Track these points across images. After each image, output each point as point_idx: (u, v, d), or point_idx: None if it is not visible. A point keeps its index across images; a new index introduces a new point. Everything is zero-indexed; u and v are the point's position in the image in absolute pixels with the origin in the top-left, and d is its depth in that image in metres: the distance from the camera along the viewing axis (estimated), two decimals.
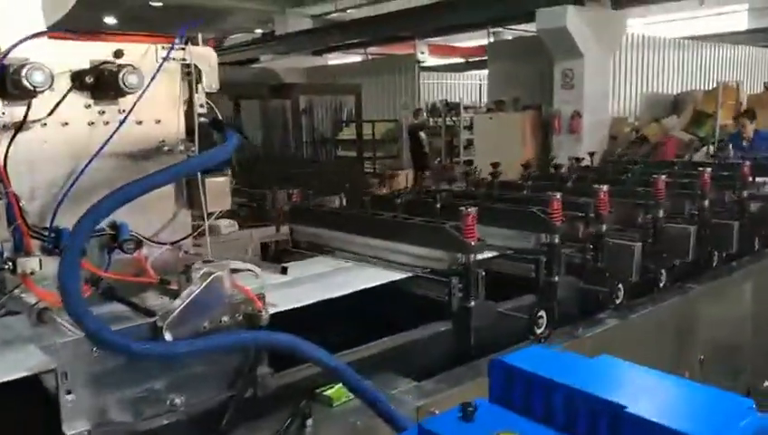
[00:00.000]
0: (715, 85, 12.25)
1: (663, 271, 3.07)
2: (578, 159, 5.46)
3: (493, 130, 13.20)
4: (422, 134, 15.07)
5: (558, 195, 2.80)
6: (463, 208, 2.48)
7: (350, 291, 2.38)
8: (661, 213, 3.25)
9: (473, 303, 2.45)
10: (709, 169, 3.61)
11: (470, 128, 14.56)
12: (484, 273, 2.49)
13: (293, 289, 2.41)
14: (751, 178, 3.95)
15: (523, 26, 13.42)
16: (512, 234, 2.96)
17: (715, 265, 3.37)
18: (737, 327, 3.64)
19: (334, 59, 18.23)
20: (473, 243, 2.47)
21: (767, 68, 16.61)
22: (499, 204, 3.41)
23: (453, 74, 18.58)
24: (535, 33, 12.56)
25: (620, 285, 2.79)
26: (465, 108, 16.03)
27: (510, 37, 14.47)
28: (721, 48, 15.32)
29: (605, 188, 3.00)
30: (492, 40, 14.39)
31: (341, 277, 2.65)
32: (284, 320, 2.02)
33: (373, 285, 2.50)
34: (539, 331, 2.47)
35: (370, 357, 2.27)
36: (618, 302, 2.79)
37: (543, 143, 12.87)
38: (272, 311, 1.95)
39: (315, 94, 14.92)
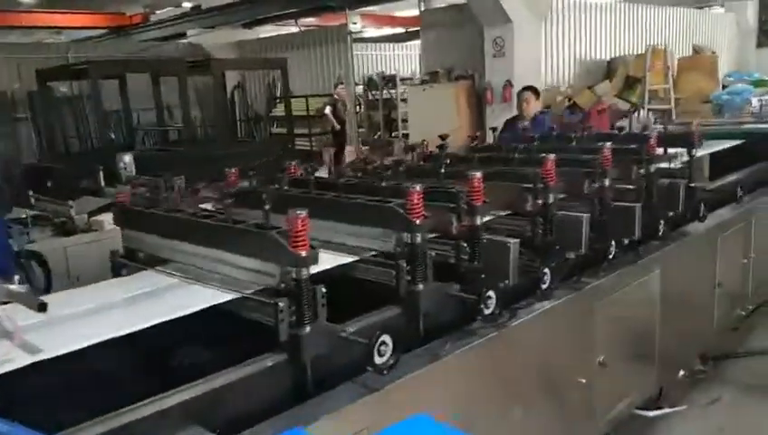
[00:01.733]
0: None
1: (547, 269, 2.62)
2: (493, 129, 5.15)
3: (426, 103, 12.72)
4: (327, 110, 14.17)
5: (418, 187, 2.31)
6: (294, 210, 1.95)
7: (142, 326, 1.86)
8: (551, 199, 2.80)
9: (307, 329, 1.96)
10: (609, 144, 3.16)
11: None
12: (324, 290, 2.00)
13: (65, 327, 1.88)
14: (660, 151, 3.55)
15: None
16: (372, 233, 2.46)
17: (612, 255, 2.95)
18: (642, 321, 3.26)
19: (267, 32, 17.39)
20: (304, 253, 1.97)
21: (701, 29, 16.45)
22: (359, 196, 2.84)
23: (392, 45, 17.94)
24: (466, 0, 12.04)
25: (491, 293, 2.33)
26: (403, 80, 15.48)
27: (443, 5, 13.88)
28: (654, 9, 15.02)
29: (478, 174, 2.46)
30: (423, 8, 13.80)
31: (148, 303, 2.12)
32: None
33: (183, 313, 1.98)
34: (380, 360, 2.00)
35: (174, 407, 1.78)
36: (488, 312, 2.33)
37: (478, 114, 12.45)
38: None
39: (238, 69, 14.15)
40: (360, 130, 15.73)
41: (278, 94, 15.96)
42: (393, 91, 15.33)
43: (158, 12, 18.30)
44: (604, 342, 2.93)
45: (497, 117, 11.95)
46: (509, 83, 11.71)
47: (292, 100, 15.43)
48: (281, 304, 1.95)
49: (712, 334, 4.05)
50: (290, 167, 3.29)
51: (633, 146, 3.57)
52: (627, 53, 13.75)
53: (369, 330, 2.08)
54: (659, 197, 3.48)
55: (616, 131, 3.91)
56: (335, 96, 14.31)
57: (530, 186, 2.80)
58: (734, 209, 4.07)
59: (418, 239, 2.27)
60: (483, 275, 2.45)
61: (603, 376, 2.92)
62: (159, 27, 16.52)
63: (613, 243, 2.93)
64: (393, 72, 15.62)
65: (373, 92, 15.68)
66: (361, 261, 2.39)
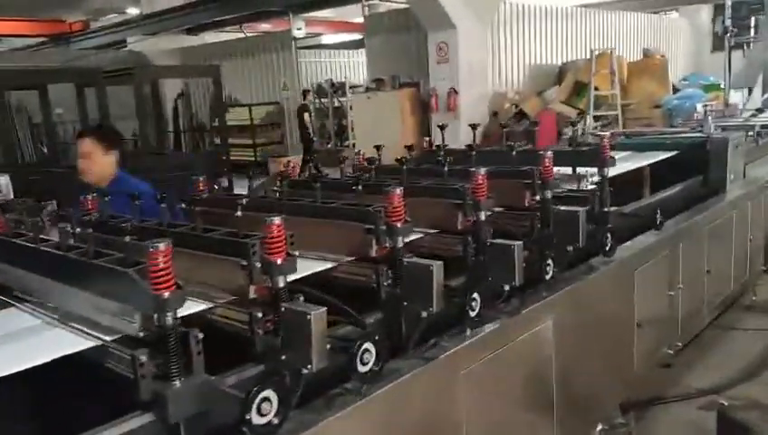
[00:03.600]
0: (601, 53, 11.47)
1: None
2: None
3: (371, 111, 12.12)
4: (306, 116, 13.80)
5: (277, 219, 1.77)
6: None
7: None
8: (399, 242, 2.18)
9: (177, 384, 1.56)
10: (483, 170, 2.54)
11: None
12: (200, 336, 1.60)
13: None
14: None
15: None
16: None
17: (475, 311, 2.31)
18: (531, 382, 2.64)
19: (214, 39, 16.65)
20: (167, 295, 1.53)
21: (656, 34, 16.08)
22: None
23: (348, 52, 17.29)
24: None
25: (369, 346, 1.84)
26: (354, 87, 14.87)
27: (387, 10, 13.30)
28: (609, 14, 14.61)
29: (398, 190, 2.09)
30: (368, 13, 13.20)
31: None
32: None
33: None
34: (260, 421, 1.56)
35: None
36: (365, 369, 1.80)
37: (423, 122, 11.86)
38: None
39: (167, 78, 13.39)
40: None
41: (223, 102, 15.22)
42: (344, 99, 14.73)
43: (101, 19, 17.51)
44: (473, 416, 2.30)
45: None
46: (453, 90, 11.16)
47: (238, 109, 14.81)
48: (141, 357, 1.54)
49: (634, 380, 3.45)
50: (197, 182, 2.84)
51: (525, 168, 2.97)
52: (579, 57, 13.30)
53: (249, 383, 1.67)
54: (556, 229, 2.89)
55: (512, 149, 3.31)
56: (308, 103, 13.71)
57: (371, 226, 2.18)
58: (655, 236, 3.48)
59: (280, 283, 1.80)
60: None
61: None
62: (98, 35, 15.71)
63: (476, 297, 2.29)
64: (342, 80, 15.00)
65: (322, 100, 15.06)
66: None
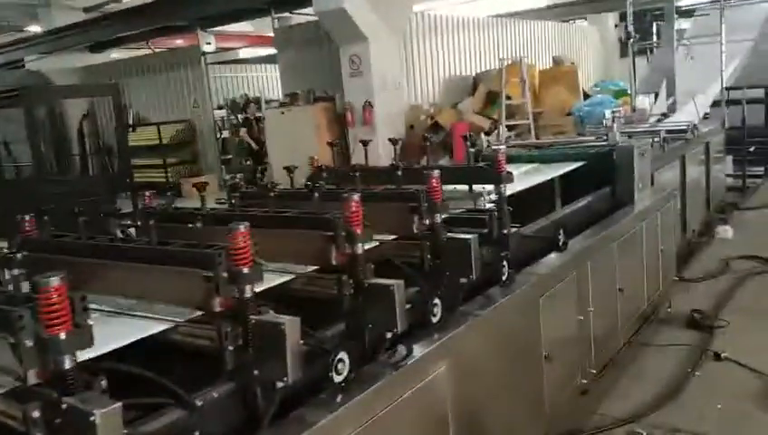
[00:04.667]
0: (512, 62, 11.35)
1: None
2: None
3: (286, 127, 11.60)
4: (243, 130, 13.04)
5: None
6: None
7: None
8: (247, 293, 1.75)
9: None
10: (356, 195, 2.15)
11: None
12: None
13: None
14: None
15: (308, 9, 11.85)
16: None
17: (341, 379, 1.89)
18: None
19: (120, 56, 15.73)
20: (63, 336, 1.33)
21: (567, 42, 16.27)
22: None
23: (262, 66, 16.67)
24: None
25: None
26: (270, 102, 14.29)
27: (298, 22, 12.82)
28: (519, 24, 14.63)
29: (242, 226, 1.72)
30: (277, 26, 12.70)
31: None
32: None
33: None
34: None
35: None
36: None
37: (340, 137, 11.45)
38: None
39: (62, 98, 12.49)
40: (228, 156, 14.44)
41: (130, 122, 14.37)
42: (260, 114, 14.14)
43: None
44: None
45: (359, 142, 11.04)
46: (369, 104, 10.81)
47: (148, 128, 13.99)
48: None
49: (545, 417, 3.11)
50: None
51: (412, 190, 2.59)
52: (493, 67, 13.21)
53: None
54: (447, 259, 2.52)
55: (396, 168, 2.94)
56: (248, 116, 13.02)
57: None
58: (560, 258, 3.17)
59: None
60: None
61: None
62: None
63: (342, 357, 1.87)
64: (258, 95, 14.40)
65: (237, 115, 14.42)
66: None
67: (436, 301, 2.25)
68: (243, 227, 1.73)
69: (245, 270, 1.73)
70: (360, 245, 2.15)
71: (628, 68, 13.42)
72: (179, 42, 15.63)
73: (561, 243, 3.04)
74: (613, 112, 7.50)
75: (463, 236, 2.54)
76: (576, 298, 3.28)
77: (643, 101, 8.00)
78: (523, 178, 4.07)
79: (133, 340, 1.70)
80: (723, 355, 4.09)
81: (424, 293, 2.35)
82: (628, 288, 3.87)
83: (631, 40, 7.54)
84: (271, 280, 2.19)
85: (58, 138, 11.09)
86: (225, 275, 1.73)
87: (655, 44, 9.83)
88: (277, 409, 1.78)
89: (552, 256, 3.12)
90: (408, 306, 2.18)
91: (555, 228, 3.07)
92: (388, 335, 2.13)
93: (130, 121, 14.58)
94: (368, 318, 2.14)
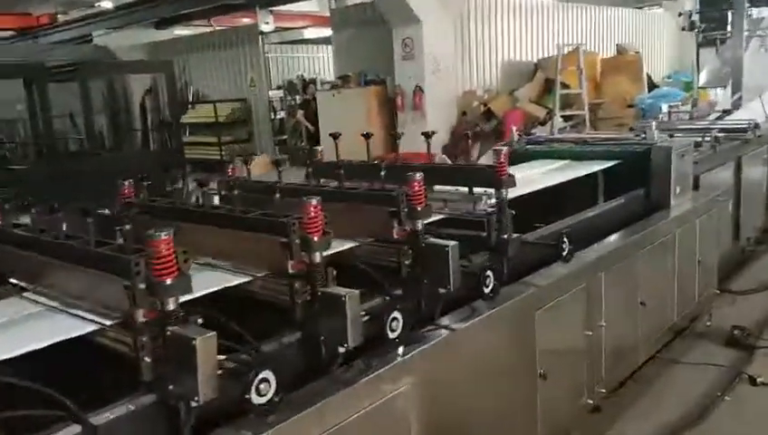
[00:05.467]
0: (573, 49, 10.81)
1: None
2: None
3: (337, 109, 11.52)
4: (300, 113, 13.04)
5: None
6: None
7: None
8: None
9: None
10: (316, 199, 1.97)
11: None
12: None
13: None
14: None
15: None
16: None
17: (265, 401, 1.72)
18: None
19: (184, 33, 16.02)
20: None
21: (638, 29, 15.42)
22: None
23: (319, 47, 16.64)
24: None
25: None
26: (325, 83, 14.23)
27: (353, 3, 12.66)
28: (587, 9, 13.94)
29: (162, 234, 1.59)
30: (333, 6, 12.59)
31: None
32: None
33: None
34: None
35: None
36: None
37: (390, 121, 11.25)
38: None
39: (117, 73, 12.76)
40: (283, 137, 14.52)
41: (190, 99, 14.63)
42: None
43: (70, 13, 16.88)
44: None
45: (408, 126, 10.80)
46: (419, 89, 10.56)
47: (203, 106, 14.23)
48: None
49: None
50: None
51: (392, 192, 2.38)
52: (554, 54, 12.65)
53: None
54: (422, 267, 2.31)
55: (379, 169, 2.73)
56: (307, 97, 13.06)
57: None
58: (565, 268, 2.88)
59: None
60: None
61: None
62: (65, 29, 15.10)
63: (267, 377, 1.69)
64: (314, 76, 14.36)
65: (293, 97, 14.43)
66: None
67: (396, 314, 2.04)
68: (165, 235, 1.60)
69: (169, 281, 1.60)
70: (317, 253, 1.98)
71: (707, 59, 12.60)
72: (241, 20, 15.74)
73: (564, 252, 2.76)
74: (670, 107, 7.03)
75: (441, 242, 2.31)
76: (584, 312, 2.99)
77: (715, 96, 7.41)
78: (544, 177, 3.79)
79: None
80: (759, 380, 3.69)
81: (390, 304, 2.15)
82: (652, 301, 3.52)
83: (695, 30, 6.96)
84: (228, 280, 2.07)
85: (117, 112, 11.35)
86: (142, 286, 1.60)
87: (727, 35, 9.13)
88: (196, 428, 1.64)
89: (556, 266, 2.83)
90: (365, 318, 2.01)
91: (559, 237, 2.78)
92: (341, 350, 1.95)
93: (190, 98, 14.86)
94: (319, 330, 1.97)
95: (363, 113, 11.20)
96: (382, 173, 2.65)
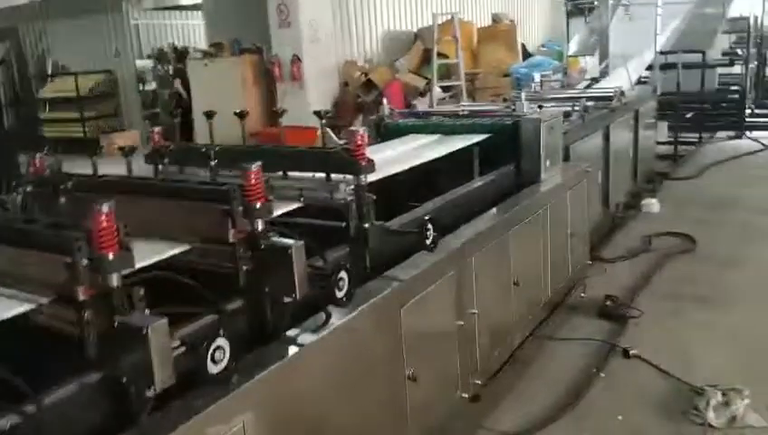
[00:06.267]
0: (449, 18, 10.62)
1: None
2: None
3: (211, 80, 10.73)
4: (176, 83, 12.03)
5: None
6: None
7: None
8: None
9: None
10: (106, 207, 1.54)
11: None
12: None
13: None
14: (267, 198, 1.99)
15: None
16: None
17: None
18: None
19: None
20: None
21: None
22: None
23: (193, 13, 15.48)
24: None
25: None
26: (197, 52, 13.28)
27: None
28: None
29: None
30: None
31: None
32: None
33: None
34: None
35: None
36: None
37: (268, 93, 10.65)
38: None
39: None
40: (155, 110, 13.47)
41: (48, 71, 13.22)
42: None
43: None
44: None
45: (288, 98, 10.26)
46: (297, 58, 10.01)
47: (61, 78, 12.92)
48: None
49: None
50: None
51: (223, 187, 1.99)
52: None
53: None
54: (267, 275, 1.95)
55: (208, 154, 2.34)
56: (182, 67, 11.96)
57: None
58: (432, 258, 2.61)
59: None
60: None
61: None
62: None
63: None
64: (186, 44, 13.37)
65: (164, 67, 13.38)
66: None
67: (221, 342, 1.66)
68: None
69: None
70: (114, 275, 1.56)
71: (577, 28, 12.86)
72: None
73: (429, 241, 2.49)
74: (542, 76, 7.00)
75: (283, 242, 1.96)
76: (453, 302, 2.75)
77: (579, 64, 7.46)
78: (415, 153, 3.52)
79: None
80: (632, 352, 3.66)
81: (212, 331, 1.76)
82: (526, 280, 3.37)
83: None
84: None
85: None
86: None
87: (594, 3, 9.27)
88: None
89: (421, 254, 2.56)
90: (180, 350, 1.62)
91: (422, 224, 2.51)
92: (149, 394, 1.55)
93: (49, 70, 13.46)
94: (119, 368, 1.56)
95: (238, 84, 10.50)
96: (212, 162, 2.24)
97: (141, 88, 12.77)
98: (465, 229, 2.99)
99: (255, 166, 1.98)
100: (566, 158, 4.46)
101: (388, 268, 2.53)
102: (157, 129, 3.04)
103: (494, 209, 3.31)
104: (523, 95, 3.95)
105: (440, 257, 2.64)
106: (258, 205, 1.97)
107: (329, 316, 2.09)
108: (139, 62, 12.95)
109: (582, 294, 4.42)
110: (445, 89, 9.83)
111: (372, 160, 2.44)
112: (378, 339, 2.31)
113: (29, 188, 2.47)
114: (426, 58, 10.40)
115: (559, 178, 3.93)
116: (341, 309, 2.13)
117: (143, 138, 12.00)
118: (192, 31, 14.74)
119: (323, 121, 3.43)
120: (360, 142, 2.42)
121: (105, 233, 1.51)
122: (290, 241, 1.96)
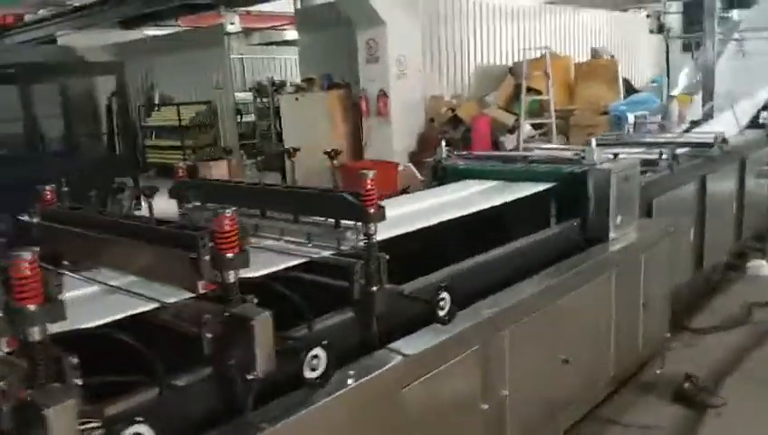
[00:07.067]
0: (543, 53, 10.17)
1: None
2: None
3: (300, 113, 10.91)
4: None
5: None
6: None
7: None
8: None
9: None
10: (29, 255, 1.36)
11: None
12: None
13: None
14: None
15: None
16: None
17: None
18: None
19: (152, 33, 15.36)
20: None
21: (620, 32, 14.76)
22: None
23: (292, 48, 15.98)
24: None
25: None
26: (292, 86, 13.62)
27: (318, 2, 12.01)
28: (565, 12, 13.27)
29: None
30: (299, 6, 11.95)
31: None
32: None
33: None
34: None
35: None
36: None
37: (355, 127, 10.63)
38: None
39: (59, 76, 12.12)
40: (253, 141, 13.92)
41: (156, 102, 14.01)
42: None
43: (40, 11, 16.24)
44: None
45: (374, 132, 10.20)
46: (383, 93, 9.92)
47: (166, 108, 13.62)
48: None
49: None
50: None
51: (192, 231, 1.77)
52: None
53: None
54: (229, 346, 1.70)
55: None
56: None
57: None
58: (447, 331, 2.25)
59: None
60: None
61: None
62: (30, 29, 14.49)
63: None
64: (283, 78, 13.76)
65: (263, 100, 13.82)
66: None
67: (142, 429, 1.40)
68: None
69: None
70: (35, 329, 1.36)
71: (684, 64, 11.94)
72: (211, 20, 15.10)
73: (444, 314, 2.13)
74: (636, 117, 6.41)
75: (245, 312, 1.69)
76: (478, 381, 2.37)
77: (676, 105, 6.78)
78: (463, 202, 3.19)
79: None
80: None
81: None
82: (579, 357, 2.91)
83: (664, 32, 6.34)
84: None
85: (76, 114, 10.67)
86: None
87: (699, 38, 8.47)
88: None
89: (435, 328, 2.21)
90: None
91: (435, 291, 2.16)
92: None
93: (156, 101, 14.26)
94: None
95: (326, 118, 10.58)
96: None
97: (240, 119, 13.22)
98: (503, 295, 2.60)
99: (229, 212, 1.74)
100: (648, 213, 3.94)
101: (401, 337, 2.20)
102: (181, 164, 2.91)
103: (544, 272, 2.89)
104: (594, 141, 3.49)
105: (462, 328, 2.28)
106: (230, 254, 1.72)
107: (305, 398, 1.80)
108: (239, 95, 13.44)
109: (659, 371, 3.83)
110: (535, 126, 9.36)
111: (383, 208, 2.14)
112: (369, 427, 1.98)
113: None
114: (517, 94, 9.99)
115: (633, 236, 3.43)
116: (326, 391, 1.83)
117: (240, 167, 12.38)
118: (294, 65, 15.18)
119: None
120: (370, 188, 2.13)
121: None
122: (253, 311, 1.69)
